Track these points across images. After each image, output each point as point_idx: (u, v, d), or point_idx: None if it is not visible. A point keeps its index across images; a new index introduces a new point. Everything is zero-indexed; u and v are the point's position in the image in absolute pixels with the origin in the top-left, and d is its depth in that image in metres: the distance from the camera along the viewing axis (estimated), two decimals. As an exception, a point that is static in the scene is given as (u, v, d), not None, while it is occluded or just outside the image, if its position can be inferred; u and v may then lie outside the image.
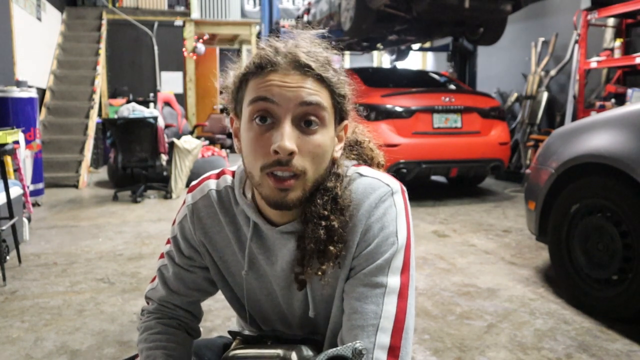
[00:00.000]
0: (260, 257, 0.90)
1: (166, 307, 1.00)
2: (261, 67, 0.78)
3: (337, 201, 0.82)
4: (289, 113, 0.76)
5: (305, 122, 0.77)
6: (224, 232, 0.93)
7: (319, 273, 0.81)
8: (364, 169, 0.88)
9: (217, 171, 0.98)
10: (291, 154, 0.75)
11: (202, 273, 0.98)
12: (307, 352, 0.80)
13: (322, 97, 0.78)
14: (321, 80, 0.78)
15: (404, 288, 0.80)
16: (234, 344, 0.92)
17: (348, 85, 0.85)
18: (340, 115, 0.84)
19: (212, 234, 0.94)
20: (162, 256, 1.01)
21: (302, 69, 0.77)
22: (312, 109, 0.77)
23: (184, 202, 0.97)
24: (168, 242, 1.00)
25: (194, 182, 0.99)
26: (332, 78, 0.80)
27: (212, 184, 0.95)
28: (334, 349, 0.65)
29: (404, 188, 0.87)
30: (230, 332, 0.99)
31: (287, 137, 0.75)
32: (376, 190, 0.83)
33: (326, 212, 0.81)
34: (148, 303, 1.03)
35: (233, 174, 0.95)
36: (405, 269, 0.81)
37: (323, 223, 0.80)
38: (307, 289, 0.87)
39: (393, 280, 0.80)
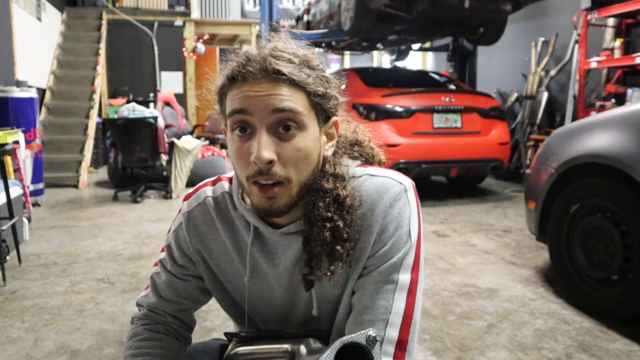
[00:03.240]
0: (261, 261, 0.89)
1: (155, 314, 0.99)
2: (233, 79, 0.79)
3: (340, 202, 0.82)
4: (263, 121, 0.76)
5: (284, 127, 0.77)
6: (221, 239, 0.93)
7: (328, 274, 0.81)
8: (373, 169, 0.88)
9: (213, 178, 0.98)
10: (270, 162, 0.76)
11: (195, 282, 0.98)
12: (315, 344, 0.80)
13: (295, 101, 0.77)
14: (294, 83, 0.77)
15: (414, 284, 0.82)
16: (230, 345, 0.92)
17: (330, 81, 0.84)
18: (324, 114, 0.83)
19: (208, 242, 0.94)
20: (156, 264, 1.01)
21: (272, 75, 0.76)
22: (286, 115, 0.76)
23: (180, 211, 0.97)
24: (163, 250, 1.00)
25: (189, 191, 0.99)
26: (307, 79, 0.78)
27: (208, 191, 0.95)
28: (348, 336, 0.64)
29: (414, 183, 0.87)
30: (226, 334, 0.98)
31: (263, 147, 0.75)
32: (389, 189, 0.83)
33: (329, 214, 0.81)
34: (139, 310, 1.02)
35: (230, 180, 0.95)
36: (415, 266, 0.83)
37: (328, 225, 0.80)
38: (313, 289, 0.87)
39: (404, 277, 0.81)
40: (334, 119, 0.85)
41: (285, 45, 0.82)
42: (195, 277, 0.97)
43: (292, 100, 0.77)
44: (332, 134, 0.87)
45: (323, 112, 0.82)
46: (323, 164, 0.85)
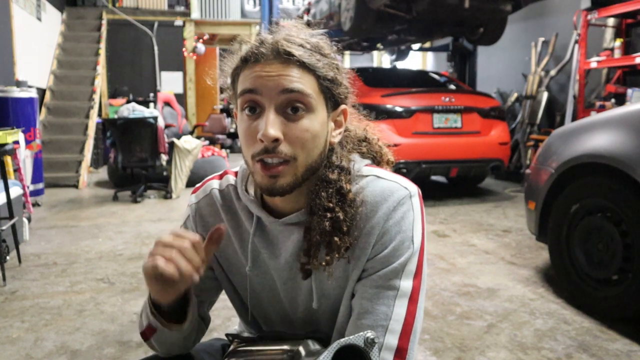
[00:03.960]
0: (263, 251, 0.90)
1: None
2: (246, 60, 0.81)
3: (343, 194, 0.83)
4: (272, 101, 0.78)
5: (292, 108, 0.78)
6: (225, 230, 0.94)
7: (323, 263, 0.82)
8: (380, 171, 0.88)
9: (219, 172, 1.00)
10: (276, 140, 0.77)
11: (208, 272, 0.98)
12: (314, 346, 0.80)
13: (305, 83, 0.79)
14: (305, 66, 0.79)
15: (415, 292, 0.81)
16: (232, 346, 0.92)
17: (340, 69, 0.85)
18: (333, 100, 0.84)
19: None
20: None
21: (283, 57, 0.78)
22: (295, 96, 0.78)
23: (188, 204, 0.99)
24: None
25: (197, 185, 1.01)
26: (317, 63, 0.80)
27: (215, 183, 0.97)
28: (346, 338, 0.64)
29: (419, 191, 0.87)
30: (227, 335, 0.98)
31: (270, 125, 0.76)
32: (394, 193, 0.83)
33: (331, 204, 0.81)
34: None
35: (235, 174, 0.97)
36: (418, 273, 0.82)
37: (328, 215, 0.81)
38: (312, 281, 0.87)
39: (406, 284, 0.81)
40: (343, 106, 0.87)
41: (298, 32, 0.84)
42: (207, 267, 0.98)
43: (302, 82, 0.78)
44: (341, 121, 0.88)
45: (332, 98, 0.84)
46: (330, 154, 0.86)
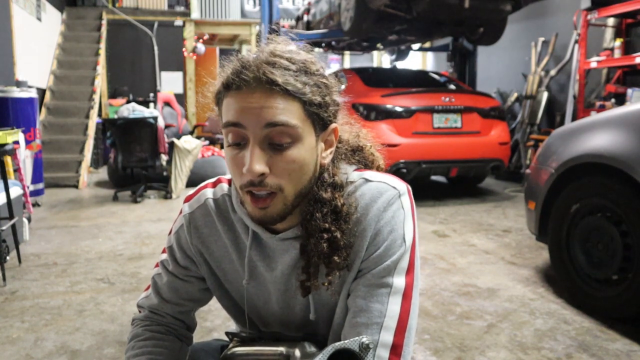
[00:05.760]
0: (259, 264, 0.90)
1: (156, 315, 0.99)
2: (228, 87, 0.78)
3: (337, 212, 0.82)
4: (256, 135, 0.76)
5: (277, 141, 0.76)
6: (222, 240, 0.93)
7: (326, 284, 0.82)
8: (369, 174, 0.87)
9: (213, 180, 0.98)
10: (262, 174, 0.76)
11: (197, 283, 0.98)
12: (310, 348, 0.80)
13: (289, 113, 0.75)
14: (289, 93, 0.75)
15: (409, 289, 0.82)
16: (231, 344, 0.92)
17: (329, 87, 0.82)
18: (322, 122, 0.81)
19: (209, 243, 0.94)
20: (157, 265, 1.01)
21: (266, 85, 0.75)
22: (279, 129, 0.75)
23: (181, 212, 0.97)
24: (164, 251, 0.99)
25: (189, 191, 0.99)
26: (303, 88, 0.76)
27: (209, 192, 0.95)
28: (341, 342, 0.64)
29: (409, 188, 0.87)
30: (227, 334, 0.98)
31: (255, 161, 0.75)
32: (383, 193, 0.83)
33: (327, 225, 0.81)
34: (140, 312, 1.02)
35: (229, 182, 0.95)
36: (410, 270, 0.82)
37: (325, 236, 0.80)
38: (310, 294, 0.87)
39: (398, 281, 0.81)
40: (332, 126, 0.84)
41: (283, 48, 0.80)
42: (197, 278, 0.97)
43: (286, 113, 0.75)
44: (331, 140, 0.86)
45: (320, 121, 0.81)
46: (321, 172, 0.84)
